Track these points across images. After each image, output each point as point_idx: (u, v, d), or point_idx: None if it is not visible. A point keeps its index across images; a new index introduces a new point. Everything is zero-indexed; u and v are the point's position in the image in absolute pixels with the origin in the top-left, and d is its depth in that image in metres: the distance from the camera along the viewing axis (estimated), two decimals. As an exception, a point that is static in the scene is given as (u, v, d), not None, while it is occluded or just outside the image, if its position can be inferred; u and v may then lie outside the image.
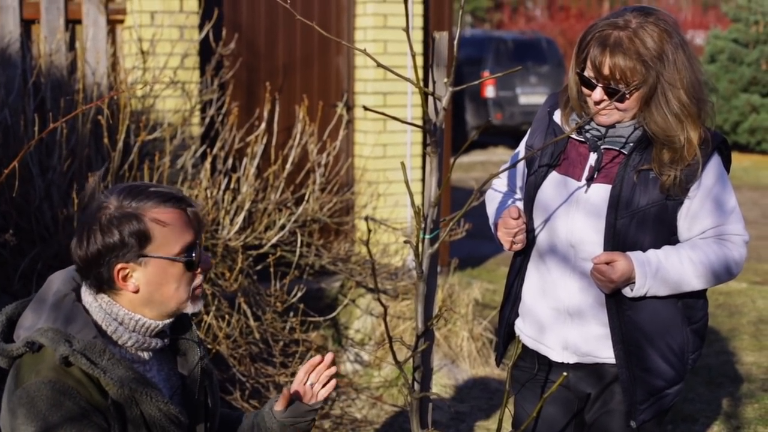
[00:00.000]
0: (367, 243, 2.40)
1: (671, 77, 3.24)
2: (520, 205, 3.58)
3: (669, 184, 3.28)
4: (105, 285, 2.76)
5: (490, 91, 19.21)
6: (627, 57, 3.20)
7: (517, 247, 3.50)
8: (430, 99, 3.15)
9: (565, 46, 25.67)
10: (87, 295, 2.81)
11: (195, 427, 2.94)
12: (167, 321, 2.85)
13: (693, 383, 6.62)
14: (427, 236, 2.82)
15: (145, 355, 2.86)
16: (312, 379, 3.10)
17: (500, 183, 3.76)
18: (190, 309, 2.85)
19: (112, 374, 2.67)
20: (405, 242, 2.66)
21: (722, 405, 6.37)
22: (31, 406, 2.62)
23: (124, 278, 2.75)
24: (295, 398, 3.06)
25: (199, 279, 2.86)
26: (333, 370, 3.11)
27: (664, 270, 3.30)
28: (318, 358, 3.08)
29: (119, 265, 2.73)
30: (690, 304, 3.43)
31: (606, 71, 3.23)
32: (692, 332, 3.45)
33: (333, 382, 3.12)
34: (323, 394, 3.10)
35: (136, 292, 2.77)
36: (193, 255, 2.80)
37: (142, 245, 2.72)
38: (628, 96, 3.27)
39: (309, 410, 3.07)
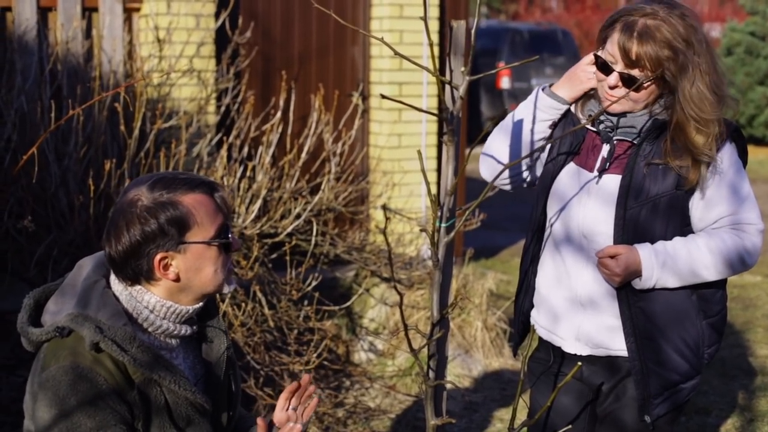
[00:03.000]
0: (384, 232, 2.40)
1: (697, 68, 3.23)
2: None
3: (695, 177, 3.26)
4: (143, 276, 2.76)
5: (505, 82, 19.18)
6: (656, 44, 3.19)
7: (588, 84, 3.43)
8: (447, 88, 3.15)
9: (581, 37, 25.62)
10: (117, 284, 2.80)
11: (219, 416, 2.95)
12: (198, 306, 2.86)
13: (707, 376, 6.61)
14: (443, 225, 2.82)
15: (173, 342, 2.86)
16: (293, 404, 3.06)
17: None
18: (226, 289, 2.87)
19: (140, 361, 2.67)
20: (421, 231, 2.66)
21: (736, 397, 6.36)
22: (55, 390, 2.63)
23: (165, 267, 2.75)
24: (272, 427, 3.04)
25: (231, 259, 2.88)
26: (312, 389, 3.06)
27: (672, 261, 3.29)
28: (295, 384, 3.04)
29: (160, 255, 2.73)
30: (706, 297, 3.41)
31: (633, 57, 3.21)
32: (708, 326, 3.43)
33: (315, 400, 3.08)
34: (307, 413, 3.06)
35: (177, 280, 2.77)
36: (229, 236, 2.82)
37: (181, 232, 2.73)
38: (645, 86, 3.26)
39: None
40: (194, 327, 2.91)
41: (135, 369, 2.68)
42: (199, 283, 2.80)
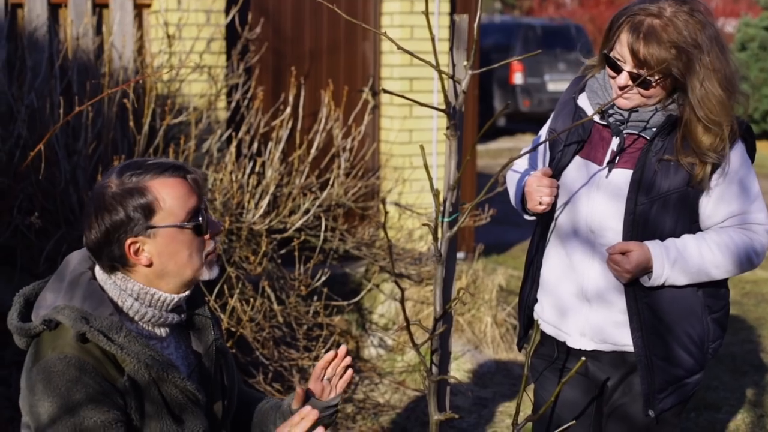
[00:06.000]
0: (384, 225, 2.40)
1: (705, 67, 3.21)
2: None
3: (701, 177, 3.25)
4: (118, 263, 2.78)
5: (518, 78, 19.16)
6: (662, 45, 3.17)
7: (541, 208, 3.45)
8: (452, 82, 3.14)
9: (595, 32, 25.54)
10: (101, 274, 2.83)
11: (212, 406, 2.95)
12: (183, 294, 2.86)
13: (717, 371, 6.59)
14: (445, 219, 2.82)
15: (162, 331, 2.87)
16: (329, 374, 3.08)
17: (521, 164, 3.74)
18: (206, 276, 2.86)
19: (128, 351, 2.68)
20: (423, 225, 2.65)
21: (746, 393, 6.34)
22: (48, 381, 2.65)
23: (136, 252, 2.76)
24: (310, 395, 3.06)
25: (210, 245, 2.86)
26: (348, 360, 3.09)
27: (683, 260, 3.28)
28: (332, 353, 3.07)
29: (129, 240, 2.75)
30: (711, 293, 3.41)
31: (641, 57, 3.20)
32: (713, 321, 3.43)
33: (349, 372, 3.10)
34: (341, 385, 3.10)
35: (150, 265, 2.78)
36: (200, 219, 2.81)
37: (147, 217, 2.75)
38: (654, 85, 3.25)
39: (327, 406, 3.06)
40: (182, 316, 2.92)
41: (124, 358, 2.69)
42: (175, 267, 2.81)
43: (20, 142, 5.86)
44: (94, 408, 2.63)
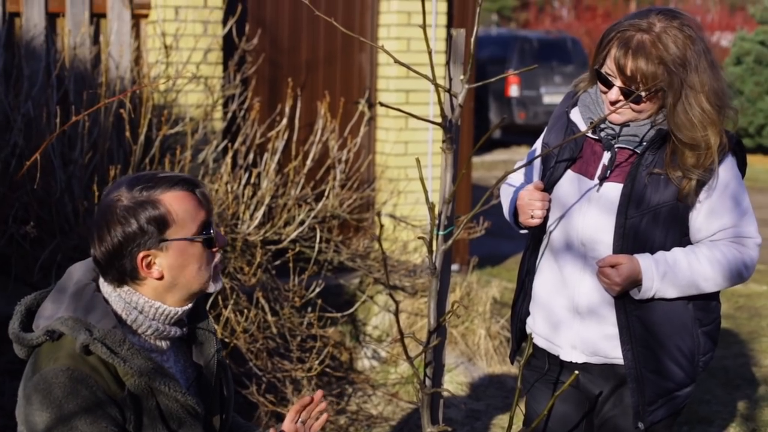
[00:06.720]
0: (378, 238, 2.41)
1: (693, 84, 3.23)
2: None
3: (687, 191, 3.27)
4: (128, 276, 2.78)
5: (514, 90, 19.20)
6: (649, 61, 3.19)
7: (533, 222, 3.48)
8: (448, 96, 3.16)
9: (591, 46, 25.57)
10: (106, 286, 2.83)
11: (211, 419, 2.96)
12: (186, 307, 2.87)
13: (710, 385, 6.60)
14: (441, 233, 2.83)
15: (164, 344, 2.87)
16: (303, 417, 3.10)
17: (515, 177, 3.76)
18: (212, 288, 2.88)
19: (131, 364, 2.68)
20: (419, 238, 2.66)
21: (739, 407, 6.35)
22: (47, 392, 2.64)
23: (148, 266, 2.77)
24: None
25: (218, 257, 2.88)
26: (323, 405, 3.12)
27: (672, 273, 3.30)
28: (308, 398, 3.08)
29: (142, 253, 2.75)
30: (701, 306, 3.42)
31: (628, 73, 3.22)
32: (703, 334, 3.44)
33: (324, 416, 3.13)
34: (316, 428, 3.11)
35: (161, 278, 2.79)
36: (211, 232, 2.83)
37: (161, 230, 2.75)
38: (644, 100, 3.26)
39: None
40: (184, 329, 2.92)
41: (125, 371, 2.69)
42: (185, 280, 2.81)
43: (16, 151, 5.87)
44: (92, 423, 2.63)
